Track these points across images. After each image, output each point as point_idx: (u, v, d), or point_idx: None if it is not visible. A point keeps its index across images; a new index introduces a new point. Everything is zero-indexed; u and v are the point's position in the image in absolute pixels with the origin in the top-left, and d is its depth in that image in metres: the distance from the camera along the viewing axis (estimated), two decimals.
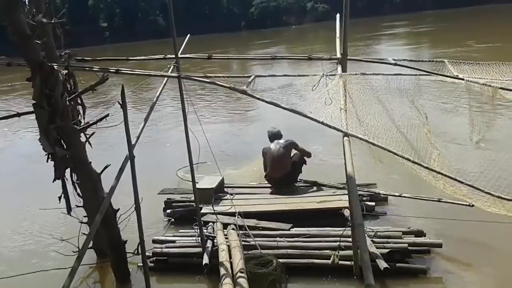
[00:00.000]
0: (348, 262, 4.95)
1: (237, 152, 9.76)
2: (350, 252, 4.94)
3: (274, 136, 7.41)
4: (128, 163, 4.18)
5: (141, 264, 5.31)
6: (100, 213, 3.81)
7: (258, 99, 4.22)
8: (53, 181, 4.79)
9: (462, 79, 4.17)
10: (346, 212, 5.98)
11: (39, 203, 7.53)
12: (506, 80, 4.20)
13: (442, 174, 3.57)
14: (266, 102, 4.14)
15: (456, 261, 5.13)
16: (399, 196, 6.58)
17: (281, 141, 7.28)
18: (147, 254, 5.17)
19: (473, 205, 4.62)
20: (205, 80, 4.29)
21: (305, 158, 7.30)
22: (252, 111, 14.14)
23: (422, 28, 39.53)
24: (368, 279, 2.59)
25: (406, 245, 5.11)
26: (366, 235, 5.12)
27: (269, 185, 7.34)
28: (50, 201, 5.35)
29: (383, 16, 61.56)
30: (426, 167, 3.59)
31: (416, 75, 4.58)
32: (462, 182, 3.51)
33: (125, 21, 71.91)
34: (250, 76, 4.37)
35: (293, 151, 7.29)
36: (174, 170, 8.45)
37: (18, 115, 5.16)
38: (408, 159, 3.54)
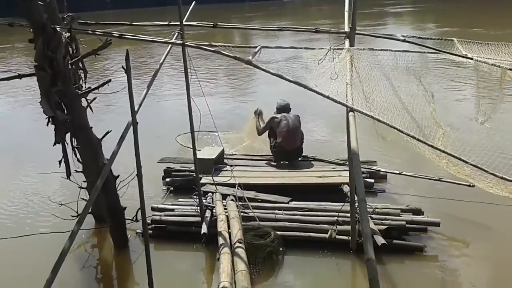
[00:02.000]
0: (346, 237, 4.99)
1: (237, 123, 9.73)
2: (347, 227, 4.98)
3: (283, 108, 7.26)
4: (130, 130, 4.14)
5: (140, 231, 5.37)
6: (100, 178, 3.79)
7: (264, 70, 4.16)
8: (53, 145, 4.77)
9: (471, 59, 4.10)
10: (346, 188, 6.01)
11: (38, 167, 7.59)
12: None
13: (446, 152, 3.56)
14: (271, 73, 4.07)
15: (453, 240, 5.17)
16: (399, 174, 6.59)
17: (291, 114, 7.17)
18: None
19: (473, 185, 4.62)
20: (210, 48, 4.21)
21: None
22: (255, 84, 14.05)
23: (429, 7, 38.94)
24: (368, 253, 2.60)
25: (404, 222, 5.14)
26: None
27: (268, 156, 7.32)
28: (50, 166, 5.35)
29: None
30: (430, 145, 3.57)
31: (424, 52, 4.51)
32: (465, 162, 3.49)
33: None
34: (256, 47, 4.29)
35: None
36: (173, 138, 8.42)
37: (20, 76, 5.11)
38: (413, 137, 3.51)
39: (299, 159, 7.21)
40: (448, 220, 5.37)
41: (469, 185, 5.14)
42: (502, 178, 3.45)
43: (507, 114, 7.53)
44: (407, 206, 5.65)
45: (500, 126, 6.75)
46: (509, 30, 19.90)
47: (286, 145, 7.00)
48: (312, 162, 7.21)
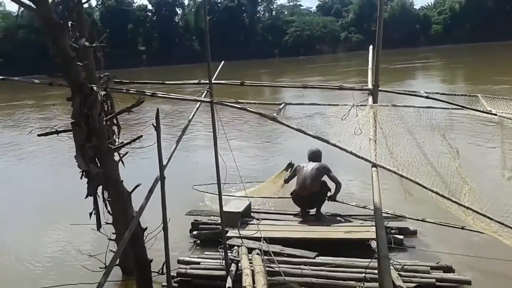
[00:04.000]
0: None
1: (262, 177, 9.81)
2: (375, 285, 4.85)
3: (313, 156, 7.37)
4: (158, 184, 4.27)
5: (165, 284, 5.36)
6: (128, 231, 3.89)
7: (288, 126, 4.28)
8: (85, 198, 4.93)
9: (495, 115, 4.13)
10: (373, 244, 5.90)
11: (70, 219, 7.77)
12: None
13: (472, 209, 3.52)
14: (295, 129, 4.19)
15: None
16: (422, 220, 6.44)
17: (315, 163, 7.24)
18: (172, 274, 5.23)
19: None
20: (236, 106, 4.38)
21: (335, 189, 7.23)
22: (281, 140, 14.19)
23: (456, 62, 39.16)
24: None
25: (434, 280, 5.00)
26: (393, 268, 5.07)
27: (295, 211, 7.31)
28: (81, 218, 5.50)
29: (418, 48, 61.31)
30: (455, 202, 3.54)
31: (448, 108, 4.55)
32: (491, 219, 3.44)
33: (162, 45, 73.88)
34: (280, 104, 4.45)
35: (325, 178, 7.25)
36: (202, 193, 8.52)
37: (57, 132, 5.35)
38: (437, 193, 3.50)
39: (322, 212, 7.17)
40: (480, 277, 5.19)
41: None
42: None
43: None
44: (437, 263, 5.50)
45: None
46: None
47: (300, 191, 7.10)
48: (340, 216, 7.15)
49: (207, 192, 6.22)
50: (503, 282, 5.33)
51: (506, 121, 4.08)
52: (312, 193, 7.09)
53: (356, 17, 77.51)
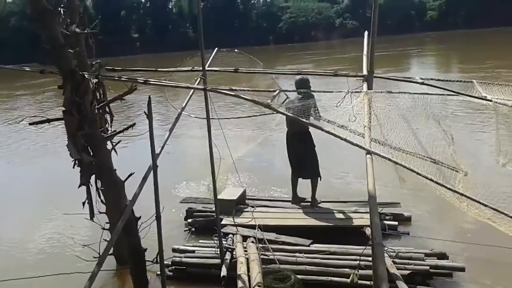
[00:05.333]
0: (368, 282, 4.88)
1: (259, 167, 9.79)
2: (370, 272, 4.87)
3: (301, 84, 6.75)
4: (151, 172, 4.23)
5: (160, 273, 5.36)
6: (122, 220, 3.86)
7: (282, 113, 4.25)
8: (78, 187, 4.89)
9: (490, 100, 4.08)
10: (368, 231, 5.91)
11: (63, 209, 7.74)
12: None
13: (466, 196, 3.50)
14: (290, 116, 4.15)
15: (479, 286, 4.99)
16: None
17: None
18: (166, 262, 5.22)
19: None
20: (230, 93, 4.33)
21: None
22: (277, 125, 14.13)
23: (451, 48, 39.11)
24: None
25: (428, 267, 5.01)
26: (387, 256, 5.08)
27: (289, 197, 7.29)
28: (74, 207, 5.47)
29: (413, 34, 61.16)
30: (450, 189, 3.52)
31: (443, 94, 4.51)
32: (486, 205, 3.42)
33: (156, 32, 73.31)
34: (275, 91, 4.40)
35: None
36: (197, 181, 8.51)
37: (48, 121, 5.30)
38: (431, 180, 3.48)
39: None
40: (474, 264, 5.21)
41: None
42: None
43: None
44: (431, 250, 5.52)
45: None
46: None
47: (291, 127, 6.93)
48: (334, 203, 7.15)
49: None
50: (497, 269, 5.36)
51: (501, 107, 4.05)
52: (303, 131, 6.86)
53: (351, 3, 77.15)
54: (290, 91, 6.28)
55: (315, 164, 7.01)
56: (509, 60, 25.06)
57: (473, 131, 11.00)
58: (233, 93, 4.31)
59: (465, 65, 26.52)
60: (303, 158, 7.01)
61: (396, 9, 66.43)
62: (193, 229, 6.75)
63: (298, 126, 6.75)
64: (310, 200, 7.13)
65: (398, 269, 4.94)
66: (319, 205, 7.07)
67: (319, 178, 7.05)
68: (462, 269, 5.06)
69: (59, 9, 4.71)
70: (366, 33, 4.96)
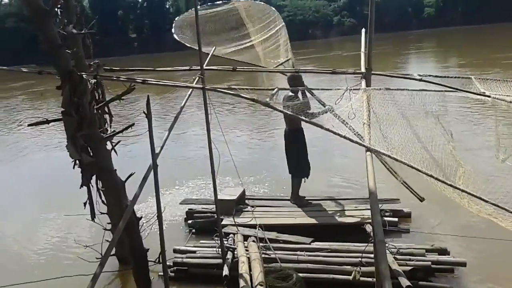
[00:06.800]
0: (370, 279, 4.88)
1: (257, 165, 9.79)
2: (372, 269, 4.87)
3: (294, 80, 6.57)
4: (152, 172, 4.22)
5: (162, 273, 5.36)
6: (123, 220, 3.85)
7: (281, 111, 4.24)
8: (80, 188, 4.89)
9: (489, 96, 4.09)
10: (368, 228, 5.92)
11: (65, 210, 7.73)
12: None
13: (467, 192, 3.50)
14: (289, 114, 4.14)
15: (480, 281, 5.00)
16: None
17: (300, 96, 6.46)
18: (168, 263, 5.21)
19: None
20: (229, 92, 4.32)
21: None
22: (276, 122, 14.15)
23: (449, 45, 39.12)
24: None
25: (429, 263, 5.02)
26: (388, 252, 5.08)
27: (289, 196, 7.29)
28: (75, 208, 5.46)
29: (410, 31, 61.14)
30: (450, 185, 3.52)
31: (441, 91, 4.51)
32: (486, 201, 3.42)
33: (154, 32, 73.08)
34: (273, 89, 4.39)
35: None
36: (196, 181, 8.50)
37: (47, 122, 5.30)
38: (431, 176, 3.48)
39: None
40: (476, 259, 5.22)
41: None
42: None
43: None
44: (432, 245, 5.52)
45: None
46: None
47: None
48: (334, 201, 7.14)
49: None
50: (498, 264, 5.36)
51: (500, 102, 4.04)
52: (294, 129, 6.88)
53: (348, 1, 76.97)
54: (288, 89, 6.29)
55: (300, 163, 7.01)
56: (508, 53, 25.14)
57: (472, 127, 11.01)
58: (232, 92, 4.30)
59: (463, 61, 26.51)
60: (290, 155, 7.04)
61: (393, 6, 66.30)
62: (194, 230, 6.74)
63: (289, 123, 6.91)
64: (310, 199, 7.11)
65: (399, 265, 4.94)
66: (320, 202, 7.05)
67: (304, 179, 7.06)
68: (463, 264, 5.06)
69: (56, 9, 4.71)
70: (363, 30, 4.96)
